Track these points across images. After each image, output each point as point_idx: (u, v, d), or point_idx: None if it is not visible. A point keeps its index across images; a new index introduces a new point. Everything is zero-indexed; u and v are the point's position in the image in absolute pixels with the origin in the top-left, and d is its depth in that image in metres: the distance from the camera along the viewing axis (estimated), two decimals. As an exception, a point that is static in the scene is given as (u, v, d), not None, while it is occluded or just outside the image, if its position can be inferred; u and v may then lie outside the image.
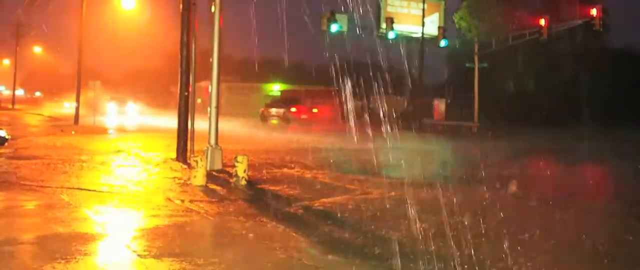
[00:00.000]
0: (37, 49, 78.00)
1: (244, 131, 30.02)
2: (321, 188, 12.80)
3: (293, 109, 42.67)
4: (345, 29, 35.70)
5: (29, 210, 9.98)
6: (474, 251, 7.37)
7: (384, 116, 31.67)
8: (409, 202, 11.28)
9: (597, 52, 41.56)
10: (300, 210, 10.33)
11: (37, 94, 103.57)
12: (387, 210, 10.40)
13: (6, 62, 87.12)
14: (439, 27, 40.33)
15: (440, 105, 42.93)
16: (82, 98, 34.59)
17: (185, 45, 16.95)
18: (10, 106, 57.75)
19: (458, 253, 7.33)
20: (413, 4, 44.54)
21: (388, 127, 28.24)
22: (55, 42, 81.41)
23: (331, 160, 18.39)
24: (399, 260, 7.16)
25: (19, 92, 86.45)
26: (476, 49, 39.08)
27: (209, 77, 15.68)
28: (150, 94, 70.43)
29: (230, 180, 13.13)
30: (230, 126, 27.01)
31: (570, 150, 24.30)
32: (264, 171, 15.01)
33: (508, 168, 17.19)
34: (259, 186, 12.77)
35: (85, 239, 7.82)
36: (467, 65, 39.90)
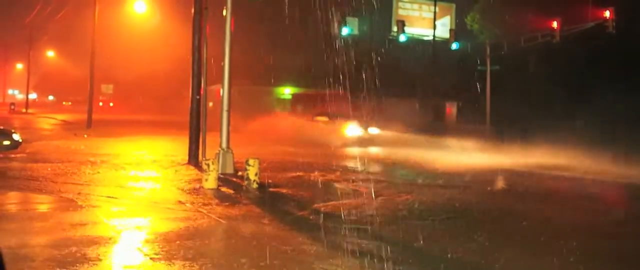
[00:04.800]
0: (50, 53, 78.64)
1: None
2: (333, 191, 12.77)
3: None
4: (356, 32, 35.67)
5: (42, 213, 10.04)
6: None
7: (395, 119, 31.66)
8: (418, 205, 11.26)
9: (611, 53, 41.16)
10: (312, 214, 10.31)
11: (50, 97, 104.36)
12: (395, 213, 10.37)
13: (19, 66, 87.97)
14: (451, 30, 40.22)
15: (452, 108, 42.82)
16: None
17: (197, 49, 17.00)
18: (23, 110, 58.12)
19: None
20: (424, 7, 44.51)
21: (399, 129, 28.43)
22: (68, 45, 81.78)
23: (342, 164, 18.35)
24: (409, 264, 7.14)
25: (32, 96, 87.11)
26: (488, 52, 38.90)
27: (220, 80, 15.71)
28: (160, 97, 70.79)
29: (242, 184, 13.14)
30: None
31: None
32: (276, 174, 15.00)
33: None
34: (271, 189, 12.77)
35: (98, 242, 7.84)
36: (479, 68, 39.72)
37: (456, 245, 8.19)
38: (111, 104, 62.50)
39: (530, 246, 8.47)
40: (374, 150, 25.57)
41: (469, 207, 11.51)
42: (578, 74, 39.47)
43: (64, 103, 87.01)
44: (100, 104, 59.66)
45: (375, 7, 35.51)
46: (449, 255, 7.71)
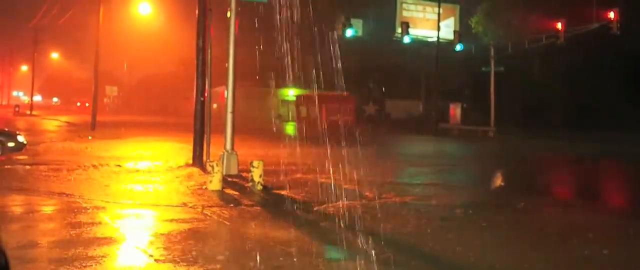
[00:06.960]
0: (54, 55, 78.89)
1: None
2: (337, 193, 12.74)
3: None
4: (360, 33, 35.69)
5: (47, 214, 10.04)
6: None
7: (399, 120, 31.59)
8: (420, 206, 11.23)
9: (615, 56, 41.06)
10: (317, 215, 10.29)
11: (54, 99, 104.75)
12: (399, 214, 10.35)
13: (24, 68, 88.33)
14: (455, 31, 40.23)
15: (456, 110, 42.73)
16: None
17: (201, 50, 16.99)
18: (28, 112, 58.28)
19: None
20: (428, 8, 44.51)
21: (404, 131, 28.21)
22: (73, 48, 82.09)
23: (347, 165, 18.32)
24: (417, 265, 7.11)
25: (37, 98, 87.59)
26: (492, 53, 38.85)
27: (224, 82, 15.69)
28: (163, 99, 70.90)
29: (246, 186, 13.14)
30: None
31: None
32: (280, 176, 14.97)
33: None
34: (275, 191, 12.76)
35: (102, 243, 7.84)
36: (483, 69, 39.70)
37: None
38: (78, 104, 60.32)
39: None
40: None
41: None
42: (582, 74, 39.41)
43: (53, 103, 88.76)
44: (84, 104, 59.45)
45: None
46: None
